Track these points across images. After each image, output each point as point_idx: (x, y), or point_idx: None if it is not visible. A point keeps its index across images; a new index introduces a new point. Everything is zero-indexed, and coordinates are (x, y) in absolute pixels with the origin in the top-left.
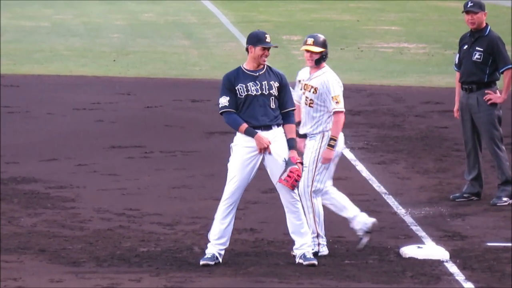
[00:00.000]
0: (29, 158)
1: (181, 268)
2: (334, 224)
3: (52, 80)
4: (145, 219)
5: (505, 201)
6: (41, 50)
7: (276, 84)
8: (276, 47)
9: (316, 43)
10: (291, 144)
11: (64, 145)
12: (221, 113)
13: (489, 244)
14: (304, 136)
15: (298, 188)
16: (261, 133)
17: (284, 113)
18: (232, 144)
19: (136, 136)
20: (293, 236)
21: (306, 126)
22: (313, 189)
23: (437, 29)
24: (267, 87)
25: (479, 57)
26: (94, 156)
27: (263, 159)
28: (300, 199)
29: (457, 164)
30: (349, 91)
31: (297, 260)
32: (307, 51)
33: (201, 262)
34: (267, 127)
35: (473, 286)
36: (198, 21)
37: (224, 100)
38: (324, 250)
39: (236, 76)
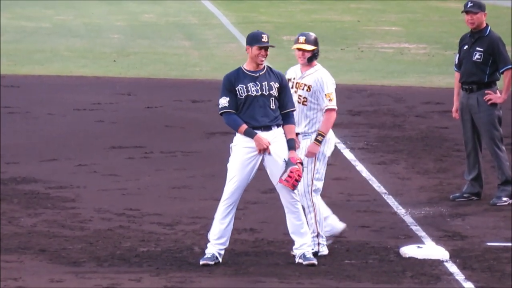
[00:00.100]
0: (30, 158)
1: (181, 268)
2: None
3: (53, 80)
4: (145, 219)
5: (505, 201)
6: (42, 51)
7: (276, 85)
8: (272, 46)
9: (308, 41)
10: (291, 145)
11: (64, 145)
12: (221, 114)
13: (489, 244)
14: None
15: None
16: (260, 134)
17: (284, 113)
18: (231, 145)
19: (136, 137)
20: (293, 236)
21: (301, 125)
22: (313, 188)
23: (437, 30)
24: (267, 87)
25: (479, 57)
26: (94, 156)
27: (262, 159)
28: (300, 199)
29: (457, 164)
30: (350, 92)
31: (297, 260)
32: (299, 49)
33: (201, 262)
34: (267, 128)
35: (473, 286)
36: (199, 22)
37: (224, 101)
38: (324, 250)
39: (237, 76)
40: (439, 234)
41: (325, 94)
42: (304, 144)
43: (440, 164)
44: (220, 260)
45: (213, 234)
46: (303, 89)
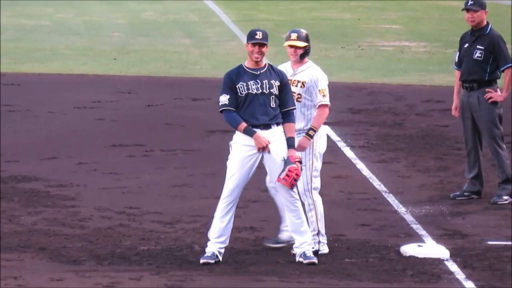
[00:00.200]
0: (30, 157)
1: (181, 267)
2: (334, 222)
3: (53, 78)
4: (146, 218)
5: (506, 200)
6: (42, 49)
7: (277, 83)
8: (264, 44)
9: (300, 37)
10: (291, 143)
11: (64, 143)
12: (221, 111)
13: (489, 242)
14: None
15: (297, 187)
16: (260, 132)
17: (284, 112)
18: (231, 142)
19: (136, 135)
20: (293, 234)
21: (296, 122)
22: (312, 186)
23: (438, 28)
24: (267, 86)
25: (480, 55)
26: (94, 154)
27: (262, 158)
28: (300, 198)
29: (457, 163)
30: (350, 90)
31: (297, 258)
32: (291, 46)
33: (201, 261)
34: (267, 126)
35: (473, 285)
36: (199, 20)
37: (224, 98)
38: (325, 249)
39: (237, 74)
40: (439, 232)
41: (319, 90)
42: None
43: (440, 162)
44: (220, 258)
45: (213, 233)
46: (296, 86)
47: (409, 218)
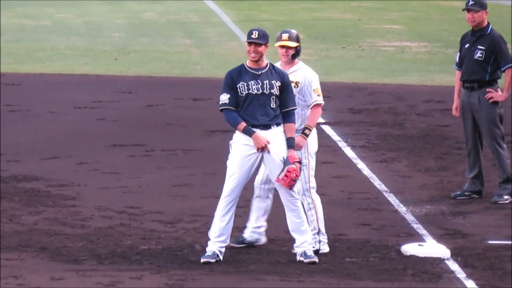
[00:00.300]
0: (30, 157)
1: (182, 266)
2: (335, 222)
3: (54, 79)
4: (146, 217)
5: (506, 199)
6: (43, 49)
7: (278, 83)
8: (259, 43)
9: (291, 38)
10: (290, 144)
11: (65, 143)
12: (221, 110)
13: (490, 242)
14: None
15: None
16: (259, 133)
17: (284, 112)
18: (231, 142)
19: (137, 135)
20: (293, 234)
21: None
22: (311, 185)
23: (438, 28)
24: (268, 86)
25: (480, 55)
26: (95, 154)
27: (262, 158)
28: (300, 197)
29: (458, 163)
30: (351, 90)
31: (298, 258)
32: (283, 46)
33: (202, 260)
34: (266, 127)
35: (474, 284)
36: (200, 20)
37: (224, 98)
38: (325, 248)
39: (239, 73)
40: (440, 232)
41: (314, 89)
42: (297, 141)
43: (441, 162)
44: (221, 258)
45: (213, 232)
46: None
47: (409, 217)
